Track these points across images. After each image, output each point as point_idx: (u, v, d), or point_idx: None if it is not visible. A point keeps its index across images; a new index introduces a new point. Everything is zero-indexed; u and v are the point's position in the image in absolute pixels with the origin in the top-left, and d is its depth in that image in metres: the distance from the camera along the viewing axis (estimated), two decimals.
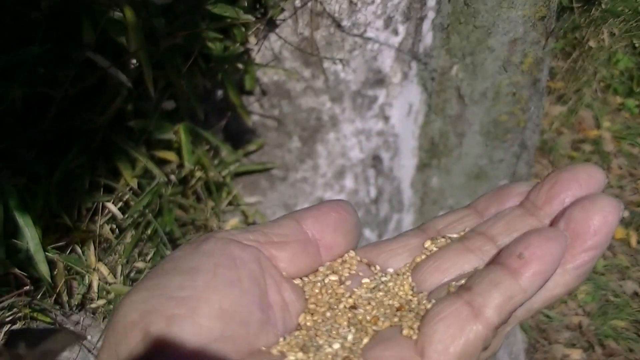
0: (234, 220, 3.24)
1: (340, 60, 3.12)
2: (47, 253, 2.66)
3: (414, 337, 0.80)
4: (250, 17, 2.88)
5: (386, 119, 3.39)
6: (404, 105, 3.43)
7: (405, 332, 0.81)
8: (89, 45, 2.51)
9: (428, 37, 3.38)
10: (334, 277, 0.86)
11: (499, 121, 3.76)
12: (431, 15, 3.35)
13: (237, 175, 3.38)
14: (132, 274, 3.02)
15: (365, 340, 0.82)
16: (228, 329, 0.75)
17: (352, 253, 0.89)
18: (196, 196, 3.20)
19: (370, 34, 3.12)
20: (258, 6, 3.05)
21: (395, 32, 3.19)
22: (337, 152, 3.39)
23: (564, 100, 6.35)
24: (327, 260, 0.88)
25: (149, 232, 2.99)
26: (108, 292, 2.90)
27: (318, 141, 3.35)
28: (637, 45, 6.91)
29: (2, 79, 2.45)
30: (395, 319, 0.84)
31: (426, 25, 3.34)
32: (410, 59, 3.28)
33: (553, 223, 0.85)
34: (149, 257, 3.04)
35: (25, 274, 2.67)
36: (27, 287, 2.70)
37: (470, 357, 0.79)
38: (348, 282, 0.87)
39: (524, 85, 3.76)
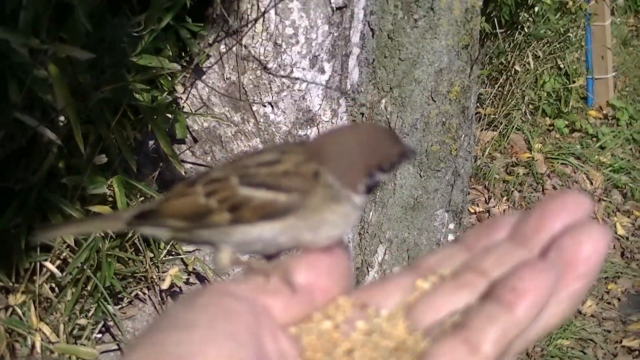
0: (174, 270, 3.22)
1: (269, 102, 3.14)
2: None
3: None
4: (176, 66, 2.88)
5: None
6: None
7: None
8: (16, 105, 2.49)
9: (355, 73, 3.41)
10: (328, 323, 0.86)
11: (431, 151, 3.80)
12: (356, 51, 3.38)
13: None
14: (75, 331, 2.99)
15: None
16: None
17: (345, 297, 0.89)
18: (135, 248, 3.18)
19: (297, 74, 3.15)
20: (183, 54, 3.06)
21: (322, 71, 3.21)
22: None
23: (495, 125, 6.43)
24: (322, 305, 0.88)
25: (89, 287, 2.97)
26: (52, 352, 2.87)
27: None
28: (562, 66, 7.03)
29: None
30: None
31: (352, 62, 3.37)
32: (339, 95, 3.31)
33: (543, 252, 0.84)
34: (90, 313, 3.01)
35: None
36: None
37: None
38: (343, 326, 0.86)
39: (452, 114, 3.80)
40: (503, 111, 6.46)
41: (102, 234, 2.93)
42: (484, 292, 0.83)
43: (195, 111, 3.14)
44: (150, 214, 0.97)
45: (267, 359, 0.80)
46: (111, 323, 3.10)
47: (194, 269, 3.26)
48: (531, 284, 0.79)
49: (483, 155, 6.19)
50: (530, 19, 6.57)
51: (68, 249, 2.91)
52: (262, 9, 3.05)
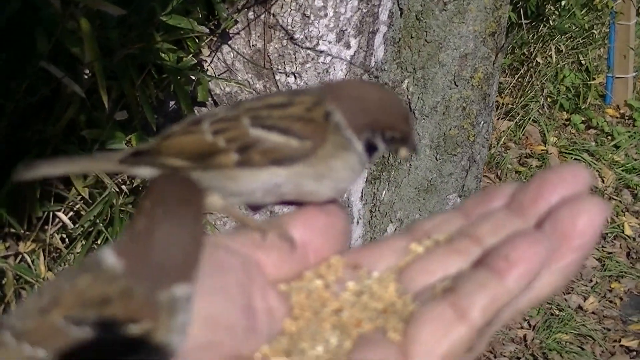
0: None
1: (293, 72, 3.14)
2: None
3: (399, 339, 0.80)
4: (204, 29, 2.89)
5: None
6: None
7: (389, 334, 0.81)
8: (43, 55, 2.50)
9: (380, 51, 3.41)
10: (319, 282, 0.86)
11: (449, 135, 3.80)
12: (383, 29, 3.38)
13: None
14: None
15: (349, 343, 0.82)
16: (213, 335, 0.76)
17: (338, 256, 0.88)
18: None
19: (322, 46, 3.15)
20: (211, 18, 3.06)
21: (348, 46, 3.21)
22: None
23: (512, 115, 6.42)
24: (315, 264, 0.87)
25: (99, 242, 2.98)
26: None
27: None
28: (583, 62, 7.01)
29: None
30: (380, 321, 0.83)
31: (378, 39, 3.37)
32: (362, 72, 3.31)
33: (539, 223, 0.83)
34: None
35: None
36: None
37: (454, 358, 0.78)
38: (333, 286, 0.86)
39: (474, 100, 3.80)
40: (521, 102, 6.45)
41: (117, 190, 2.94)
42: (477, 259, 0.83)
43: (218, 75, 3.15)
44: (147, 152, 0.93)
45: (255, 314, 0.80)
46: None
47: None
48: (524, 253, 0.78)
49: (498, 144, 6.18)
50: (556, 12, 6.56)
51: (82, 201, 2.92)
52: None
